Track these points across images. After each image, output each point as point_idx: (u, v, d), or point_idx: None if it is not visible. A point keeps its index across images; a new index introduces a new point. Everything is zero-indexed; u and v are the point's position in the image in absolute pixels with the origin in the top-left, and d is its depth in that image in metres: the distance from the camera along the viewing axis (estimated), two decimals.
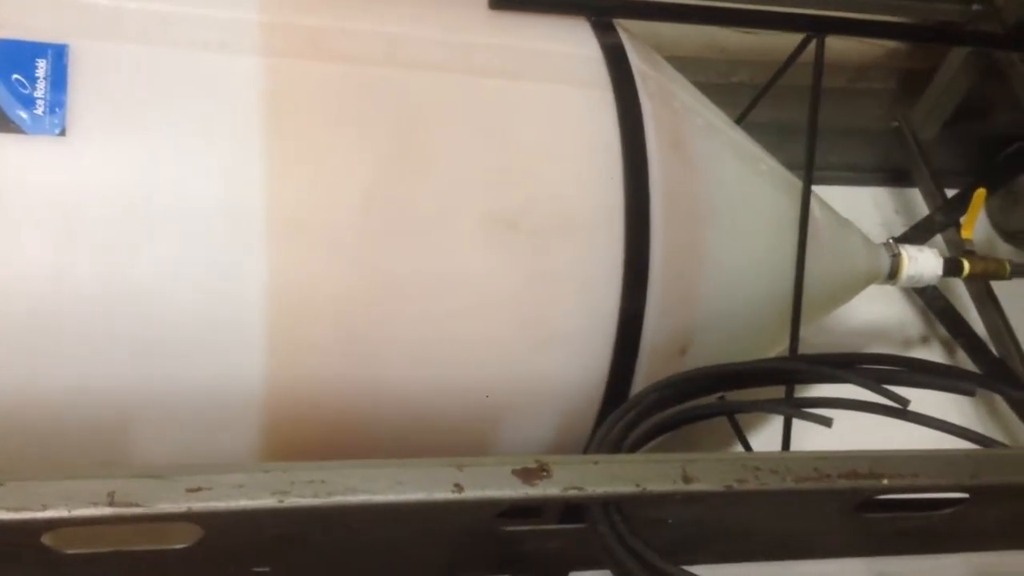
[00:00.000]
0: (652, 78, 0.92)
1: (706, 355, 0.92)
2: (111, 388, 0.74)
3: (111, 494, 0.58)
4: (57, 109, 0.73)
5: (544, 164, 0.84)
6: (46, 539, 0.61)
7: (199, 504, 0.59)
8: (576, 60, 0.90)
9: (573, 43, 0.91)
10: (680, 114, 0.93)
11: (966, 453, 0.83)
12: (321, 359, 0.78)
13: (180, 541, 0.64)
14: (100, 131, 0.74)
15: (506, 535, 0.72)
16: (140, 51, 0.76)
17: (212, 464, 0.62)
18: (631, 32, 0.96)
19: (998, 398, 1.25)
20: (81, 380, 0.73)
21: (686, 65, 1.01)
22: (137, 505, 0.58)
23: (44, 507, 0.58)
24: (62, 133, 0.73)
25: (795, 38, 1.07)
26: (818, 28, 1.01)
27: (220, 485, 0.60)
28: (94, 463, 0.75)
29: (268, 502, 0.61)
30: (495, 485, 0.66)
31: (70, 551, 0.64)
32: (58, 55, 0.74)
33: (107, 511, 0.58)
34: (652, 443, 0.84)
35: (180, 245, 0.74)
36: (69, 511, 0.58)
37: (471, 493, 0.65)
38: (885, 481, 0.72)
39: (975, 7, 1.30)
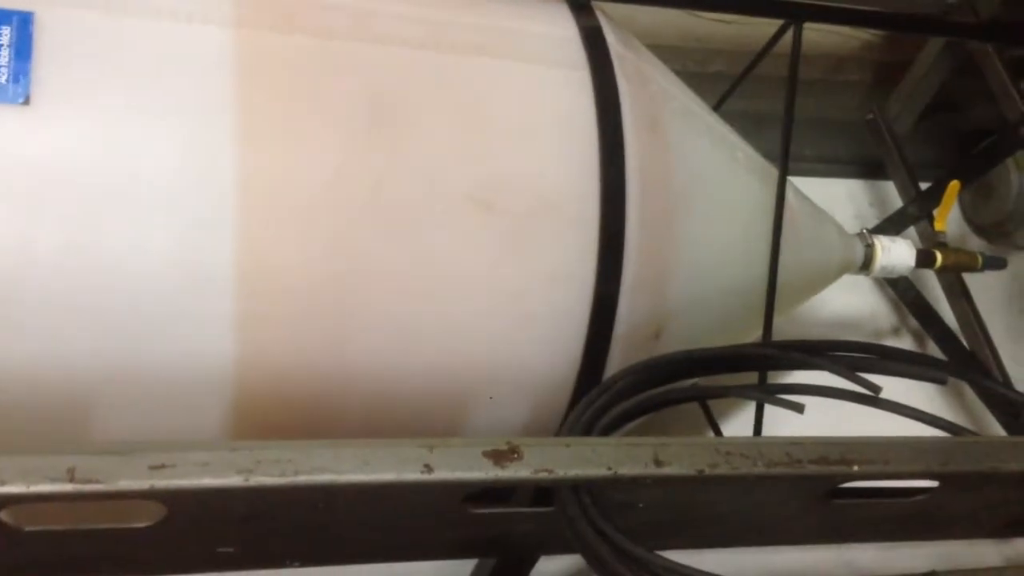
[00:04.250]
0: (629, 60, 0.91)
1: (680, 340, 0.91)
2: (74, 363, 0.72)
3: (71, 470, 0.57)
4: (21, 77, 0.71)
5: (520, 144, 0.84)
6: (4, 515, 0.59)
7: (162, 482, 0.58)
8: (554, 40, 0.89)
9: (551, 23, 0.90)
10: (657, 97, 0.92)
11: (936, 441, 0.83)
12: (291, 336, 0.77)
13: (144, 519, 0.62)
14: (65, 100, 0.72)
15: (476, 518, 0.72)
16: (107, 20, 0.75)
17: (176, 441, 0.60)
18: (609, 15, 0.95)
19: (967, 388, 1.26)
20: (43, 354, 0.72)
21: (663, 54, 1.01)
22: (98, 482, 0.57)
23: (2, 483, 0.56)
24: (26, 102, 0.71)
25: (771, 29, 1.06)
26: (797, 15, 1.01)
27: (184, 463, 0.59)
28: (55, 439, 0.74)
29: (233, 481, 0.59)
30: (465, 466, 0.65)
31: (30, 528, 0.62)
32: (23, 23, 0.72)
33: (67, 488, 0.56)
34: (625, 427, 0.83)
35: (147, 218, 0.72)
36: (27, 487, 0.56)
37: (440, 474, 0.64)
38: (856, 467, 0.72)
39: None
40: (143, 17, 0.75)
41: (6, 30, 0.72)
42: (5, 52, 0.71)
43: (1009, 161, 1.36)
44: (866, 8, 1.04)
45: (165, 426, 0.77)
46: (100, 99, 0.73)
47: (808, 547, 0.86)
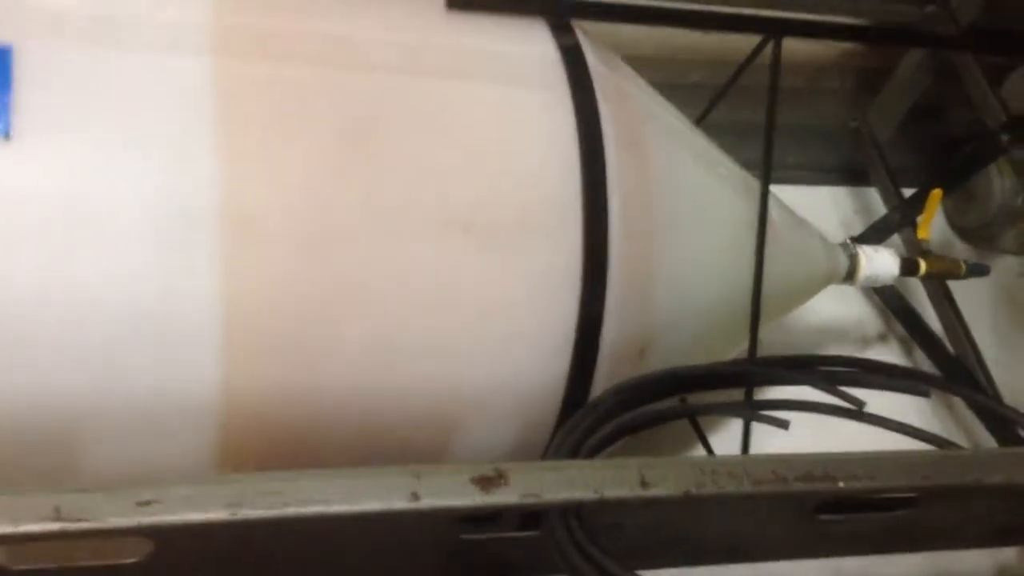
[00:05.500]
0: (609, 79, 0.92)
1: (666, 356, 0.92)
2: (58, 397, 0.72)
3: (58, 509, 0.57)
4: (1, 111, 0.71)
5: (500, 165, 0.84)
6: None
7: (149, 518, 0.58)
8: (533, 61, 0.89)
9: (530, 44, 0.90)
10: (637, 115, 0.93)
11: (920, 454, 0.84)
12: (276, 363, 0.77)
13: (133, 555, 0.62)
14: (46, 133, 0.72)
15: (464, 543, 0.72)
16: (87, 52, 0.75)
17: (162, 477, 0.61)
18: (588, 33, 0.95)
19: (956, 399, 1.26)
20: (26, 389, 0.72)
21: (644, 65, 1.01)
22: (85, 520, 0.57)
23: None
24: (6, 135, 0.71)
25: (752, 38, 1.07)
26: (775, 30, 1.01)
27: (170, 498, 0.59)
28: (41, 476, 0.74)
29: (220, 515, 0.59)
30: (452, 494, 0.65)
31: (18, 567, 0.62)
32: (2, 56, 0.72)
33: (54, 526, 0.57)
34: (612, 447, 0.84)
35: (129, 248, 0.72)
36: (14, 527, 0.56)
37: (428, 502, 0.64)
38: (841, 483, 0.73)
39: (929, 8, 1.31)
40: (121, 48, 0.75)
41: None
42: None
43: (991, 166, 1.37)
44: (845, 21, 1.04)
45: (152, 456, 0.77)
46: (80, 131, 0.73)
47: (796, 563, 0.86)
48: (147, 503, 0.58)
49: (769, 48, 1.04)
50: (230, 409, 0.77)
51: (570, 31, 0.93)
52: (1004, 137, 1.23)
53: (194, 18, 0.78)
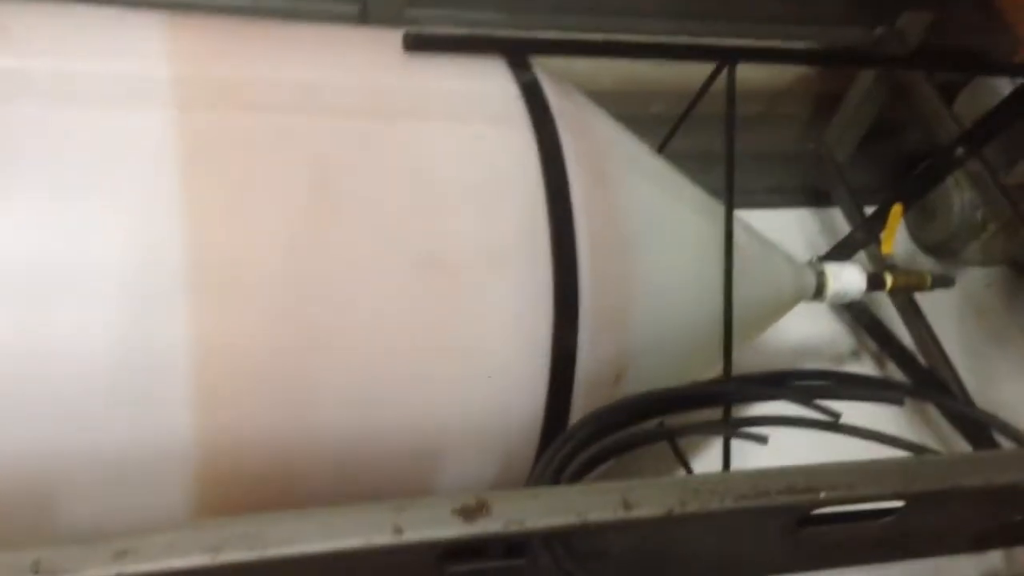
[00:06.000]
0: (570, 112, 0.93)
1: (641, 381, 0.92)
2: (31, 453, 0.72)
3: (36, 563, 0.56)
4: None
5: (466, 203, 0.85)
6: None
7: (128, 567, 0.57)
8: (494, 98, 0.91)
9: (490, 82, 0.92)
10: (600, 146, 0.94)
11: (899, 462, 0.84)
12: (250, 410, 0.77)
13: None
14: (9, 191, 0.72)
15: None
16: (49, 110, 0.75)
17: (140, 527, 0.60)
18: (547, 68, 0.97)
19: (931, 407, 1.27)
20: None
21: (603, 98, 1.03)
22: (64, 572, 0.56)
23: None
24: None
25: (707, 69, 1.09)
26: (729, 57, 1.04)
27: (149, 547, 0.58)
28: (17, 533, 0.73)
29: (200, 559, 0.59)
30: (435, 525, 0.65)
31: None
32: None
33: None
34: (593, 473, 0.84)
35: (98, 302, 0.72)
36: None
37: (411, 535, 0.64)
38: (822, 494, 0.73)
39: (878, 31, 1.34)
40: (83, 105, 0.76)
41: None
42: None
43: (949, 180, 1.39)
44: (796, 47, 1.07)
45: (129, 509, 0.76)
46: (44, 187, 0.73)
47: None
48: (124, 553, 0.58)
49: (724, 75, 1.06)
50: (205, 459, 0.77)
51: (528, 68, 0.94)
52: (959, 151, 1.26)
53: (154, 71, 0.79)
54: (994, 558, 1.13)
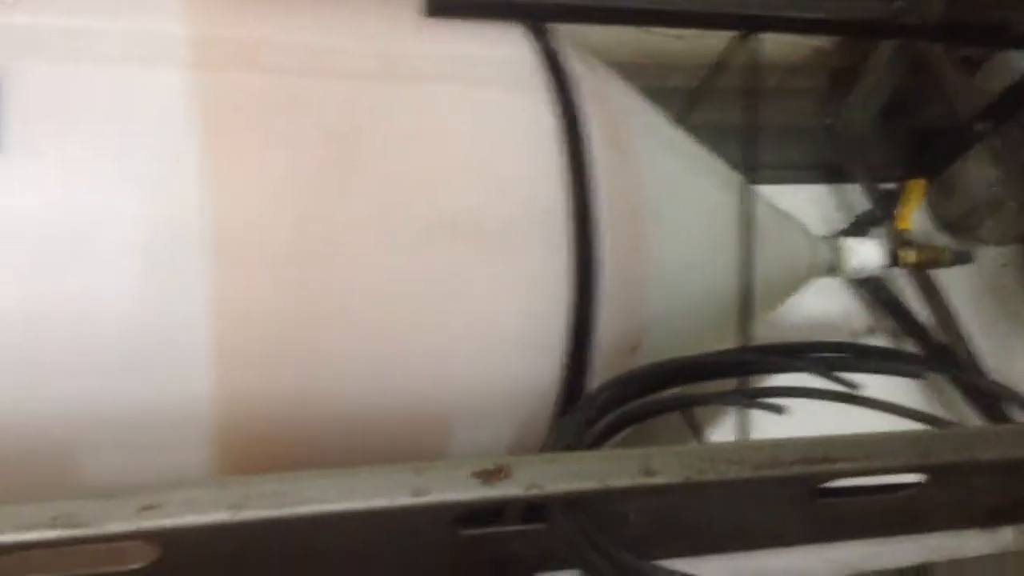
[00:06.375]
0: (589, 80, 0.92)
1: (657, 352, 0.92)
2: (51, 414, 0.72)
3: (57, 516, 0.57)
4: None
5: (484, 168, 0.84)
6: None
7: (150, 522, 0.58)
8: (512, 64, 0.90)
9: (509, 48, 0.91)
10: (619, 114, 0.94)
11: (917, 433, 0.84)
12: (269, 374, 0.77)
13: (136, 561, 0.62)
14: (28, 152, 0.72)
15: (467, 540, 0.71)
16: (67, 69, 0.75)
17: (164, 480, 0.60)
18: (566, 36, 0.96)
19: (946, 384, 1.27)
20: (18, 406, 0.71)
21: (620, 71, 1.02)
22: (86, 526, 0.57)
23: None
24: None
25: (725, 42, 1.08)
26: (748, 25, 1.03)
27: (172, 501, 0.58)
28: (37, 492, 0.73)
29: (222, 516, 0.59)
30: (454, 488, 0.65)
31: None
32: None
33: (54, 534, 0.56)
34: (609, 441, 0.84)
35: (117, 263, 0.72)
36: (14, 536, 0.56)
37: (430, 497, 0.64)
38: (839, 465, 0.73)
39: (897, 3, 1.33)
40: (99, 64, 0.76)
41: None
42: None
43: (969, 157, 1.38)
44: (815, 16, 1.05)
45: (147, 471, 0.76)
46: (65, 148, 0.73)
47: (799, 549, 0.86)
48: (148, 507, 0.58)
49: (743, 47, 1.05)
50: (223, 422, 0.77)
51: (548, 35, 0.94)
52: (980, 126, 1.25)
53: (172, 30, 0.78)
54: (1007, 537, 1.13)
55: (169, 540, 0.59)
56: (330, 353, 0.79)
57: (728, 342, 1.01)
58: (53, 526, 0.56)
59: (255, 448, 0.79)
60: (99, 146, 0.74)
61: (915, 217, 1.41)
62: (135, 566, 0.61)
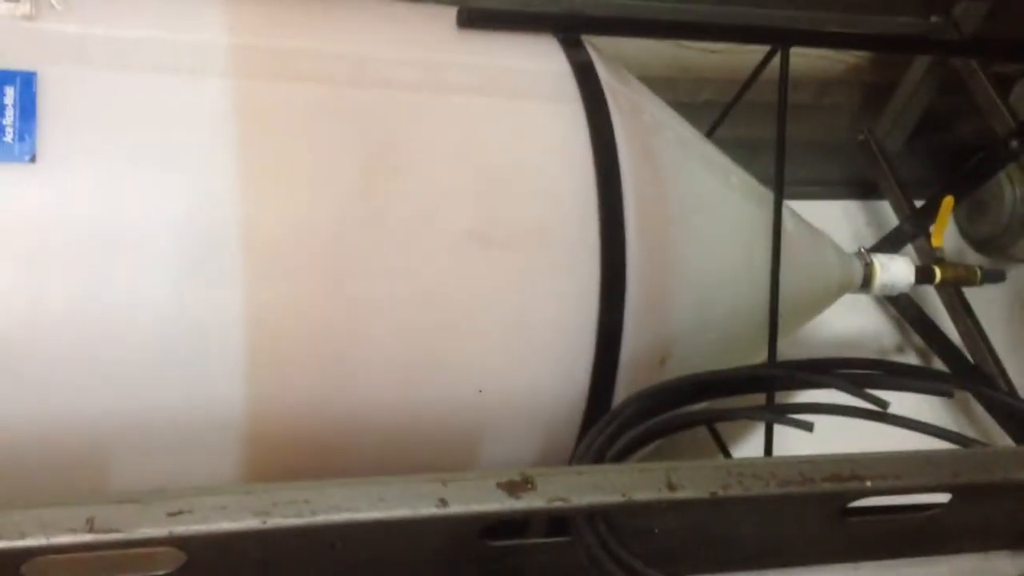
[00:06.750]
0: (621, 92, 0.93)
1: (685, 366, 0.92)
2: (87, 416, 0.73)
3: (90, 520, 0.57)
4: (27, 136, 0.72)
5: (517, 179, 0.85)
6: (25, 569, 0.59)
7: (180, 528, 0.58)
8: (546, 76, 0.90)
9: (542, 60, 0.92)
10: (650, 127, 0.94)
11: (947, 453, 0.83)
12: (301, 380, 0.78)
13: (164, 567, 0.62)
14: (70, 157, 0.73)
15: (492, 551, 0.72)
16: (109, 77, 0.76)
17: (193, 487, 0.61)
18: (598, 49, 0.96)
19: (973, 402, 1.26)
20: (57, 410, 0.72)
21: (652, 85, 1.02)
22: (117, 531, 0.57)
23: (22, 535, 0.56)
24: (32, 160, 0.72)
25: (758, 58, 1.08)
26: (783, 40, 1.03)
27: (202, 508, 0.59)
28: (72, 493, 0.74)
29: (251, 523, 0.60)
30: (480, 499, 0.65)
31: None
32: (26, 83, 0.74)
33: (86, 538, 0.57)
34: (636, 455, 0.83)
35: (153, 269, 0.73)
36: (47, 539, 0.56)
37: (456, 508, 0.64)
38: (868, 483, 0.72)
39: (933, 19, 1.32)
40: (143, 72, 0.77)
41: (10, 90, 0.73)
42: (10, 112, 0.72)
43: (1001, 174, 1.37)
44: (850, 32, 1.05)
45: (180, 474, 0.77)
46: (104, 154, 0.74)
47: (825, 568, 0.86)
48: (178, 513, 0.59)
49: (777, 62, 1.05)
50: (255, 426, 0.78)
51: (581, 46, 0.94)
52: (1014, 143, 1.24)
53: (214, 40, 0.79)
54: None
55: (196, 546, 0.60)
56: (361, 360, 0.80)
57: (757, 357, 1.01)
58: (85, 530, 0.57)
59: (285, 452, 0.80)
60: (138, 154, 0.75)
61: (947, 234, 1.40)
62: (161, 573, 0.62)
